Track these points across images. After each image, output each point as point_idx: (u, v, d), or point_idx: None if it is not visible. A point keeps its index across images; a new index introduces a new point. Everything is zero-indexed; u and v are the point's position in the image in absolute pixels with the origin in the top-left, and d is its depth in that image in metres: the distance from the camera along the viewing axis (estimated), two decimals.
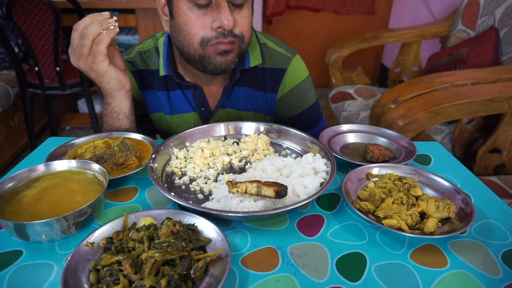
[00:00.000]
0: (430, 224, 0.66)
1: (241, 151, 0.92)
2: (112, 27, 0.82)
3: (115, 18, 0.83)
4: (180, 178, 0.82)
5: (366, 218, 0.67)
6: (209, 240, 0.60)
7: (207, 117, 1.12)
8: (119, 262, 0.53)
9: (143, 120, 1.15)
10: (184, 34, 0.90)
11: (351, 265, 0.61)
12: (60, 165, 0.76)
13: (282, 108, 1.14)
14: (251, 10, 0.93)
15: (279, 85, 1.10)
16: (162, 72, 1.04)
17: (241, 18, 0.90)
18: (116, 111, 0.95)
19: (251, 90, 1.10)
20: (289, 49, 1.13)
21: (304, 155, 0.84)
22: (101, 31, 0.81)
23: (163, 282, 0.50)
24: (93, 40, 0.81)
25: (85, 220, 0.65)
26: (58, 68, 2.36)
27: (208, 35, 0.88)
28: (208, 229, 0.62)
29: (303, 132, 0.94)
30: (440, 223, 0.68)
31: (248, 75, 1.08)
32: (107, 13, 0.82)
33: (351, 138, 1.01)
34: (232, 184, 0.72)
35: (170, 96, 1.10)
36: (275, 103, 1.13)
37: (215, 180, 0.82)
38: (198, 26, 0.87)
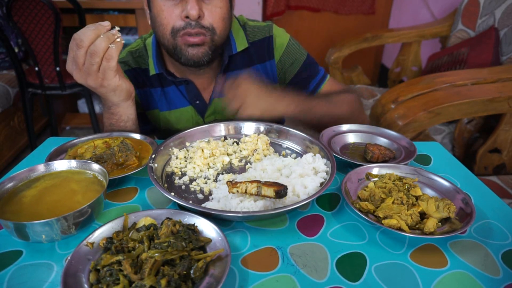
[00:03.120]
0: (430, 224, 0.66)
1: (241, 151, 0.92)
2: (118, 40, 0.78)
3: (117, 28, 0.79)
4: (180, 178, 0.82)
5: (366, 218, 0.67)
6: (209, 240, 0.60)
7: (203, 109, 1.13)
8: (119, 262, 0.53)
9: (141, 119, 1.15)
10: (158, 25, 0.92)
11: (351, 265, 0.61)
12: (60, 165, 0.76)
13: (284, 69, 1.16)
14: (225, 0, 0.93)
15: (273, 50, 1.13)
16: (152, 71, 1.06)
17: (212, 8, 0.90)
18: (123, 119, 0.96)
19: (245, 70, 1.12)
20: (259, 21, 1.17)
21: (304, 155, 0.84)
22: (110, 45, 0.77)
23: (163, 282, 0.50)
24: (103, 56, 0.77)
25: (85, 220, 0.65)
26: (58, 68, 2.37)
27: (177, 25, 0.90)
28: (208, 229, 0.62)
29: (303, 132, 0.94)
30: (440, 223, 0.68)
31: (238, 57, 1.09)
32: (107, 23, 0.78)
33: (351, 138, 1.01)
34: (232, 184, 0.72)
35: (165, 92, 1.11)
36: (275, 67, 1.15)
37: (215, 180, 0.82)
38: (169, 17, 0.90)
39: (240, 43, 1.08)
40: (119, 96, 0.89)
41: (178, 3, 0.89)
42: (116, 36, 0.78)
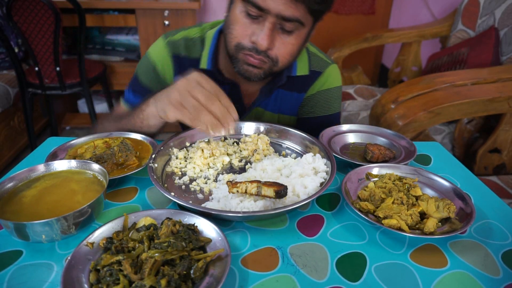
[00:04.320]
0: (430, 224, 0.66)
1: (241, 151, 0.92)
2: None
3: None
4: (180, 178, 0.82)
5: (366, 218, 0.67)
6: (209, 240, 0.60)
7: (240, 114, 1.10)
8: (119, 262, 0.53)
9: None
10: (228, 31, 0.90)
11: (351, 265, 0.61)
12: (60, 165, 0.76)
13: (304, 106, 1.13)
14: (301, 38, 0.89)
15: (310, 86, 1.10)
16: (204, 65, 1.01)
17: (283, 44, 0.86)
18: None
19: (286, 93, 1.10)
20: (329, 57, 1.15)
21: (304, 155, 0.84)
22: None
23: (163, 282, 0.50)
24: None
25: (85, 220, 0.65)
26: (58, 68, 2.36)
27: (244, 43, 0.87)
28: (208, 229, 0.62)
29: (303, 132, 0.94)
30: (440, 223, 0.68)
31: (289, 79, 1.07)
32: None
33: (351, 138, 1.01)
34: (232, 184, 0.72)
35: None
36: (301, 101, 1.13)
37: (215, 180, 0.82)
38: (240, 33, 0.86)
39: (302, 68, 1.05)
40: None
41: (254, 23, 0.84)
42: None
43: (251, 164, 0.88)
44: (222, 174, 0.84)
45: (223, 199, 0.73)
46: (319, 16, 0.87)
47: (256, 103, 1.09)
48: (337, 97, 1.15)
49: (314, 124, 1.07)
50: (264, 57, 0.87)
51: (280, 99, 1.11)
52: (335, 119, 1.15)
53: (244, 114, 1.11)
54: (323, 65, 1.10)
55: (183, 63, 1.04)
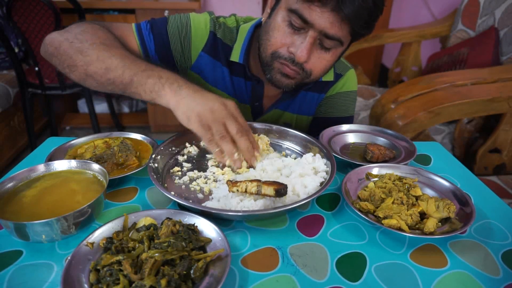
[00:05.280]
0: (430, 224, 0.66)
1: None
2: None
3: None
4: (180, 178, 0.82)
5: (366, 218, 0.67)
6: (209, 240, 0.60)
7: (258, 113, 1.10)
8: (119, 262, 0.53)
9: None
10: (266, 37, 0.88)
11: (351, 265, 0.61)
12: (60, 165, 0.76)
13: (321, 106, 1.14)
14: (336, 56, 0.89)
15: (331, 87, 1.11)
16: (235, 58, 1.00)
17: (319, 59, 0.86)
18: (133, 94, 0.79)
19: (307, 93, 1.10)
20: (348, 61, 1.16)
21: (304, 155, 0.84)
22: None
23: (163, 282, 0.50)
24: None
25: (85, 220, 0.65)
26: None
27: (281, 52, 0.86)
28: (208, 229, 0.62)
29: (303, 132, 0.94)
30: (440, 223, 0.68)
31: (314, 83, 1.07)
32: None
33: (351, 138, 1.01)
34: (232, 183, 0.72)
35: (232, 80, 1.06)
36: (320, 101, 1.14)
37: (215, 180, 0.82)
38: (279, 41, 0.85)
39: (327, 75, 1.06)
40: None
41: (295, 34, 0.83)
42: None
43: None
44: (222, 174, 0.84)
45: (223, 199, 0.73)
46: (358, 38, 0.87)
47: (276, 105, 1.09)
48: (354, 100, 1.17)
49: (330, 124, 1.07)
50: (299, 69, 0.87)
51: (300, 100, 1.11)
52: (349, 122, 1.16)
53: (262, 115, 1.11)
54: (344, 68, 1.12)
55: (216, 43, 1.02)
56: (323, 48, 0.85)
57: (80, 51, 0.80)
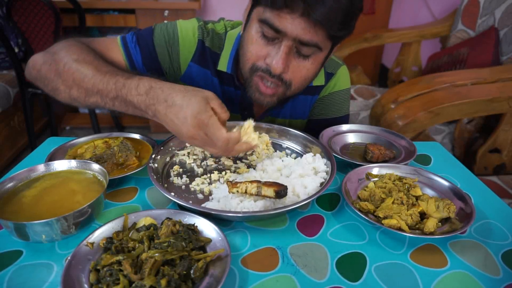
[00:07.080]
0: (430, 224, 0.66)
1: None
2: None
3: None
4: (180, 178, 0.82)
5: (366, 218, 0.67)
6: (209, 240, 0.60)
7: None
8: (119, 262, 0.53)
9: None
10: (243, 52, 0.87)
11: (351, 265, 0.61)
12: (60, 165, 0.76)
13: (315, 108, 1.12)
14: (318, 63, 0.85)
15: (323, 88, 1.08)
16: (223, 67, 0.98)
17: (299, 67, 0.83)
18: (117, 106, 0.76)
19: (299, 97, 1.08)
20: (338, 57, 1.13)
21: (304, 155, 0.84)
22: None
23: (163, 282, 0.50)
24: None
25: (85, 220, 0.65)
26: None
27: (258, 65, 0.84)
28: (208, 229, 0.62)
29: (303, 132, 0.94)
30: (440, 223, 0.68)
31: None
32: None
33: (351, 138, 1.01)
34: (232, 184, 0.72)
35: (224, 90, 1.03)
36: (313, 103, 1.11)
37: (215, 180, 0.82)
38: (255, 54, 0.83)
39: (317, 79, 1.04)
40: None
41: (269, 45, 0.80)
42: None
43: (253, 166, 0.88)
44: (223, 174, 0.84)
45: (223, 199, 0.73)
46: (338, 41, 0.84)
47: (267, 112, 1.07)
48: (347, 99, 1.14)
49: (325, 125, 1.05)
50: (277, 80, 0.84)
51: (292, 104, 1.09)
52: (345, 121, 1.14)
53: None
54: (335, 66, 1.09)
55: (205, 52, 1.00)
56: (301, 56, 0.81)
57: (59, 74, 0.78)
